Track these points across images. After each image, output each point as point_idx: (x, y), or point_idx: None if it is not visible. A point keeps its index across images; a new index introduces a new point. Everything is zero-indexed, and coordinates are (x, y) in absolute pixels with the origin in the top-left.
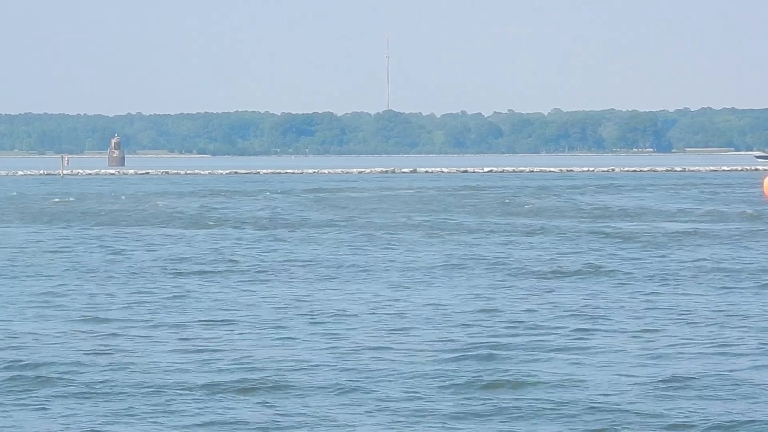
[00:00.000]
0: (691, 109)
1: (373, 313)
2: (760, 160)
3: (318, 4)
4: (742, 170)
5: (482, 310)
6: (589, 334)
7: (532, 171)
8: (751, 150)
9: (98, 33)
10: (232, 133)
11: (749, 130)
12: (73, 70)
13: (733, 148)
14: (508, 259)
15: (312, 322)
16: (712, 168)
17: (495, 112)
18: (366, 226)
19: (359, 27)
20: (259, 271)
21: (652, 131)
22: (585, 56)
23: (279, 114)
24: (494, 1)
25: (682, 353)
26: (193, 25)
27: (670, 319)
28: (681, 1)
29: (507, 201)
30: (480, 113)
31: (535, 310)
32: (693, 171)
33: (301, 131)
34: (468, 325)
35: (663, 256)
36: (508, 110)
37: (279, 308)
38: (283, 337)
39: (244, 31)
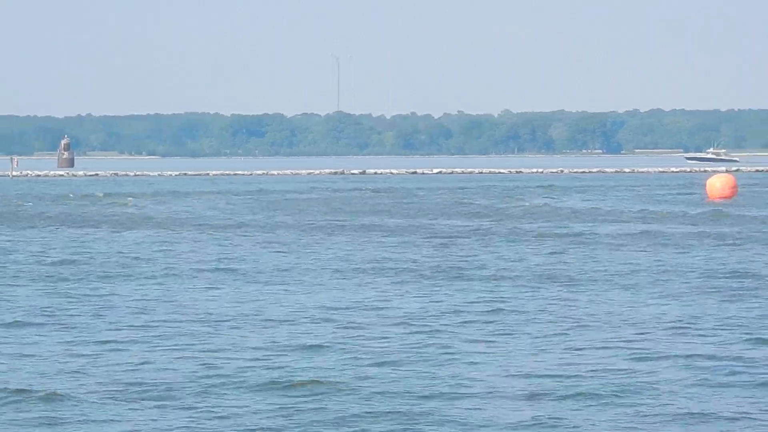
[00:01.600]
0: (641, 110)
1: (236, 313)
2: (690, 161)
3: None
4: (690, 171)
5: (361, 309)
6: (483, 336)
7: (481, 172)
8: (701, 150)
9: (54, 32)
10: (182, 134)
11: (697, 131)
12: (24, 71)
13: (682, 149)
14: (404, 261)
15: (173, 323)
16: (660, 169)
17: (445, 114)
18: (278, 227)
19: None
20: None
21: (601, 132)
22: (535, 58)
23: (229, 115)
24: (449, 3)
25: (577, 359)
26: (175, 23)
27: (569, 323)
28: (627, 3)
29: (455, 202)
30: (430, 114)
31: (418, 311)
32: (642, 172)
33: (251, 132)
34: (331, 322)
35: (589, 258)
36: (458, 111)
37: (139, 310)
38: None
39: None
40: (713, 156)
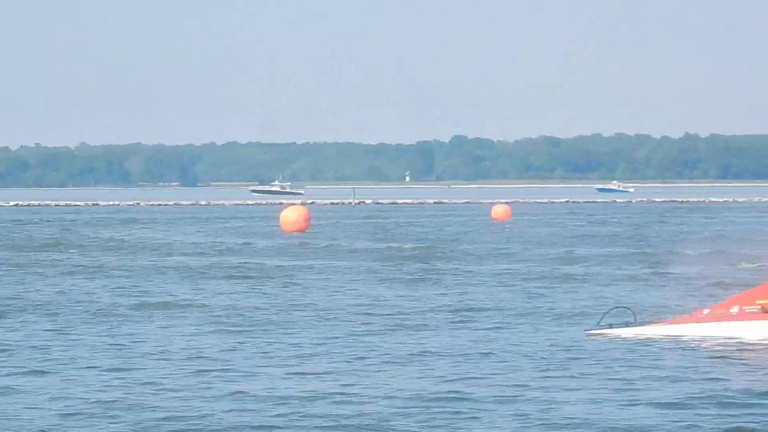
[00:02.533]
0: (218, 144)
1: None
2: (255, 194)
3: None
4: (266, 204)
5: None
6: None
7: (58, 205)
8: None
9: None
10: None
11: (274, 163)
12: None
13: (258, 182)
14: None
15: None
16: (237, 202)
17: (22, 146)
18: None
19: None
20: None
21: (178, 166)
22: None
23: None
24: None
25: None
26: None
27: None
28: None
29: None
30: (7, 147)
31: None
32: (217, 204)
33: None
34: None
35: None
36: (36, 144)
37: None
38: None
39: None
40: (279, 189)
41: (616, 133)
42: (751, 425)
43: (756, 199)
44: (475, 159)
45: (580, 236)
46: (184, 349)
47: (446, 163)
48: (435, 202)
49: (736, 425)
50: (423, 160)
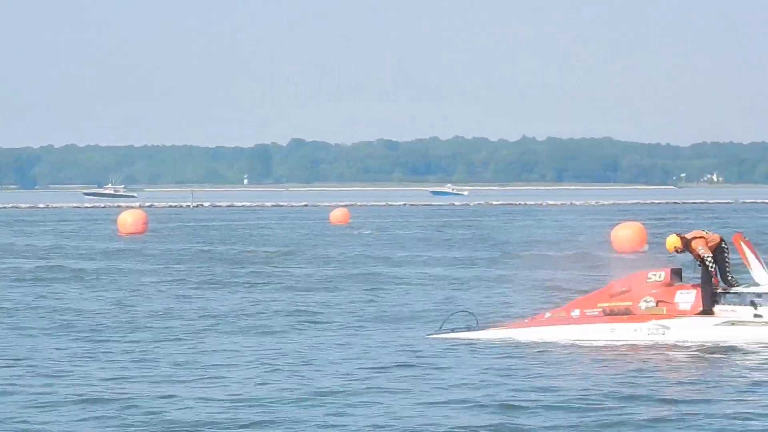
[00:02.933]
0: (56, 146)
1: None
2: (88, 196)
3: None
4: (104, 207)
5: None
6: None
7: None
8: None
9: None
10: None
11: (114, 166)
12: None
13: (96, 185)
14: None
15: None
16: (75, 204)
17: None
18: None
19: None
20: None
21: (15, 168)
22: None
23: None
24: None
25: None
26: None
27: None
28: None
29: None
30: None
31: None
32: (56, 207)
33: None
34: None
35: None
36: None
37: None
38: None
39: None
40: (112, 192)
41: (454, 136)
42: (579, 426)
43: (593, 202)
44: (313, 162)
45: (424, 239)
46: None
47: (284, 166)
48: (273, 205)
49: (563, 426)
50: (261, 163)
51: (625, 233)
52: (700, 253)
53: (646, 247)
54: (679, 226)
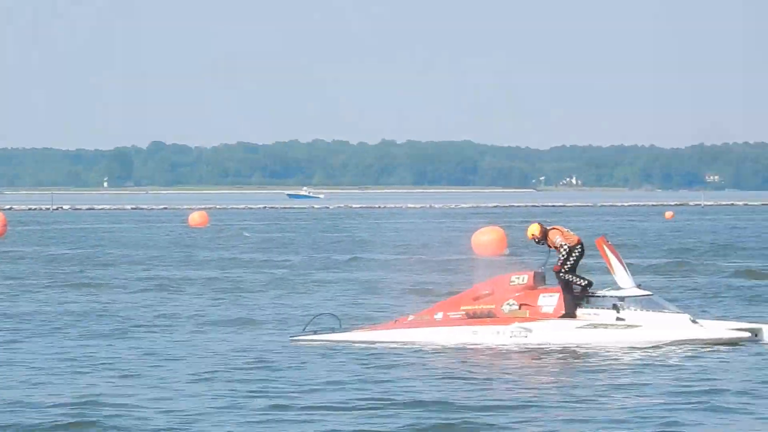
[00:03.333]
0: None
1: None
2: None
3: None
4: None
5: None
6: None
7: None
8: None
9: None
10: None
11: None
12: None
13: None
14: None
15: None
16: None
17: None
18: None
19: None
20: None
21: None
22: None
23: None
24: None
25: None
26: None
27: None
28: None
29: None
30: None
31: None
32: None
33: None
34: None
35: None
36: None
37: None
38: None
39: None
40: None
41: (314, 139)
42: (421, 428)
43: (453, 205)
44: (173, 165)
45: (288, 243)
46: None
47: (144, 169)
48: (133, 208)
49: (405, 426)
50: (121, 166)
51: (486, 238)
52: (556, 242)
53: (507, 250)
54: None
